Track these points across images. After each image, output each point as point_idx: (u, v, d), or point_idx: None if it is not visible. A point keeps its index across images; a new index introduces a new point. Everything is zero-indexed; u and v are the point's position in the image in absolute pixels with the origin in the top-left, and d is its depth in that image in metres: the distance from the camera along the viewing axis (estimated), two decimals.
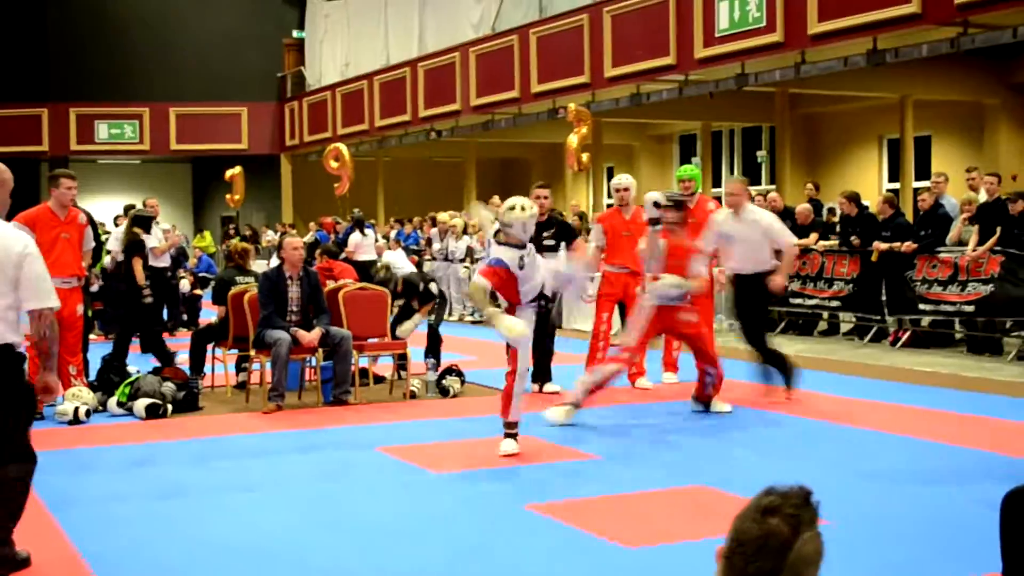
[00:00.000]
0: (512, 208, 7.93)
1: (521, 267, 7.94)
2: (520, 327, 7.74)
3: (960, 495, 6.61)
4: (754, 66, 17.12)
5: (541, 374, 10.94)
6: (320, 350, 10.27)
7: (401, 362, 11.29)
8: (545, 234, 10.50)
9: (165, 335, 14.77)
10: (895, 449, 8.07)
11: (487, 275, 7.91)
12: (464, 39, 23.56)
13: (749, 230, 10.11)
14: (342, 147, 24.39)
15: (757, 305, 10.31)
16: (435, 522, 6.28)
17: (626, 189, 11.13)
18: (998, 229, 12.11)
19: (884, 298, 13.37)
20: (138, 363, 11.70)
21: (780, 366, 10.07)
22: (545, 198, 10.80)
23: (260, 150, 31.52)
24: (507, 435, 8.06)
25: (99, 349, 11.96)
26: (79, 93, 30.99)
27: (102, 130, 31.20)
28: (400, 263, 18.59)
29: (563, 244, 10.57)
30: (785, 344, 13.44)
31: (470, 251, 19.04)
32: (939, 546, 5.57)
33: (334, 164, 24.07)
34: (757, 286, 10.10)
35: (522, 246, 7.96)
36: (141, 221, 12.82)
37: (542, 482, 7.16)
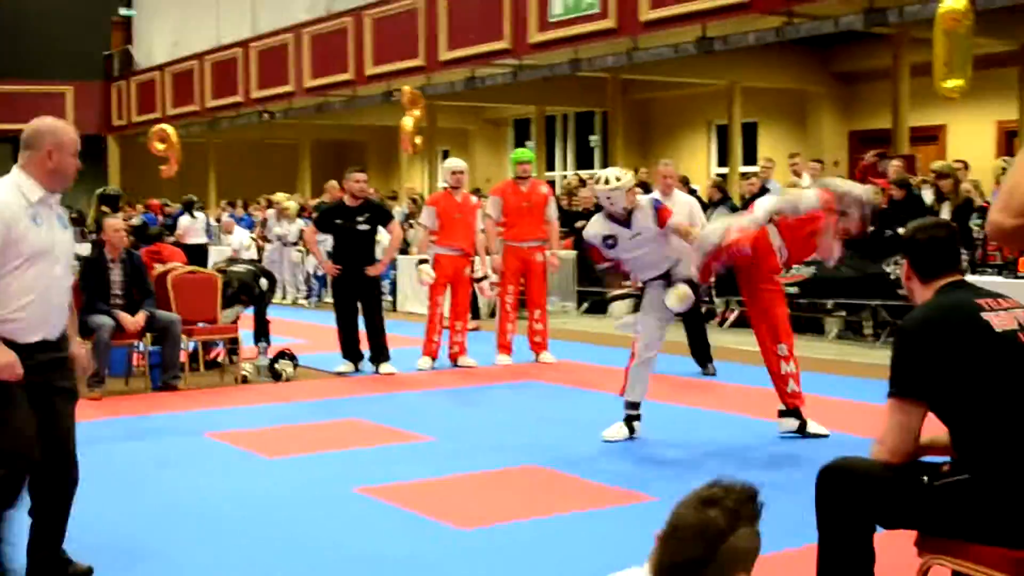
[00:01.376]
0: (597, 181, 7.75)
1: (609, 245, 7.64)
2: (671, 299, 7.54)
3: (769, 469, 6.80)
4: (587, 52, 17.31)
5: (377, 354, 10.90)
6: (148, 335, 10.03)
7: (232, 346, 11.10)
8: (359, 218, 10.73)
9: None
10: (719, 425, 8.27)
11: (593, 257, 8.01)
12: (298, 20, 23.25)
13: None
14: (168, 128, 23.84)
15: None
16: (264, 507, 6.20)
17: (462, 172, 11.22)
18: None
19: (712, 280, 13.65)
20: None
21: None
22: (357, 182, 10.83)
23: (86, 131, 30.48)
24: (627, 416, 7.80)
25: None
26: None
27: None
28: (244, 243, 18.30)
29: (379, 227, 11.05)
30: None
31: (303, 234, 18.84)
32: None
33: (160, 146, 23.54)
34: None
35: (624, 223, 7.59)
36: (108, 200, 12.88)
37: (375, 465, 7.11)
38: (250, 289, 11.29)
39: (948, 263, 3.67)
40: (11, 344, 4.50)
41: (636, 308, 7.77)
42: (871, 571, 3.59)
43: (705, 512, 2.37)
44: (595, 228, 7.66)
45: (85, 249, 11.65)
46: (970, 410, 3.44)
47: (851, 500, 3.56)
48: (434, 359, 11.09)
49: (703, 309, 11.33)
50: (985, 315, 3.46)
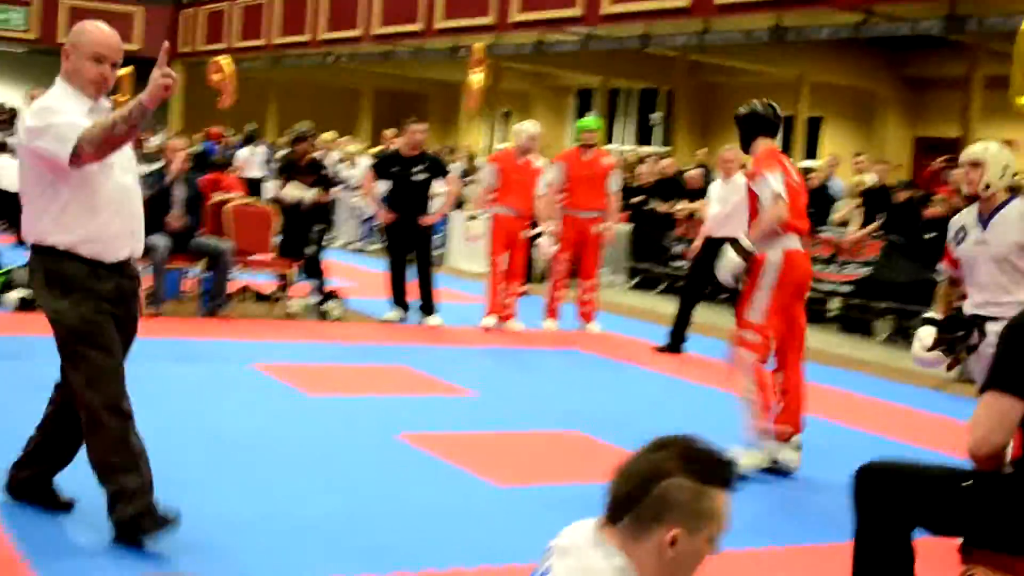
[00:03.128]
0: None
1: (958, 240, 5.73)
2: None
3: (816, 466, 6.80)
4: (658, 28, 17.24)
5: (425, 305, 10.94)
6: (200, 261, 10.13)
7: (283, 282, 11.14)
8: (416, 169, 10.82)
9: None
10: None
11: None
12: None
13: (734, 196, 9.93)
14: (223, 60, 23.80)
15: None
16: (305, 444, 6.26)
17: (532, 139, 11.16)
18: (880, 215, 12.43)
19: None
20: (12, 257, 11.37)
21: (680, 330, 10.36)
22: (414, 133, 10.89)
23: (152, 53, 30.51)
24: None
25: None
26: None
27: None
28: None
29: (436, 180, 11.06)
30: (663, 306, 13.64)
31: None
32: (794, 513, 5.74)
33: (215, 77, 23.52)
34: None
35: (983, 219, 5.63)
36: None
37: (416, 413, 7.16)
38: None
39: None
40: (98, 264, 4.33)
41: (949, 347, 5.67)
42: (911, 572, 3.58)
43: (652, 454, 2.31)
44: (960, 217, 5.84)
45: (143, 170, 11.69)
46: None
47: (889, 499, 3.52)
48: (499, 316, 11.01)
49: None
50: None
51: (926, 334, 5.65)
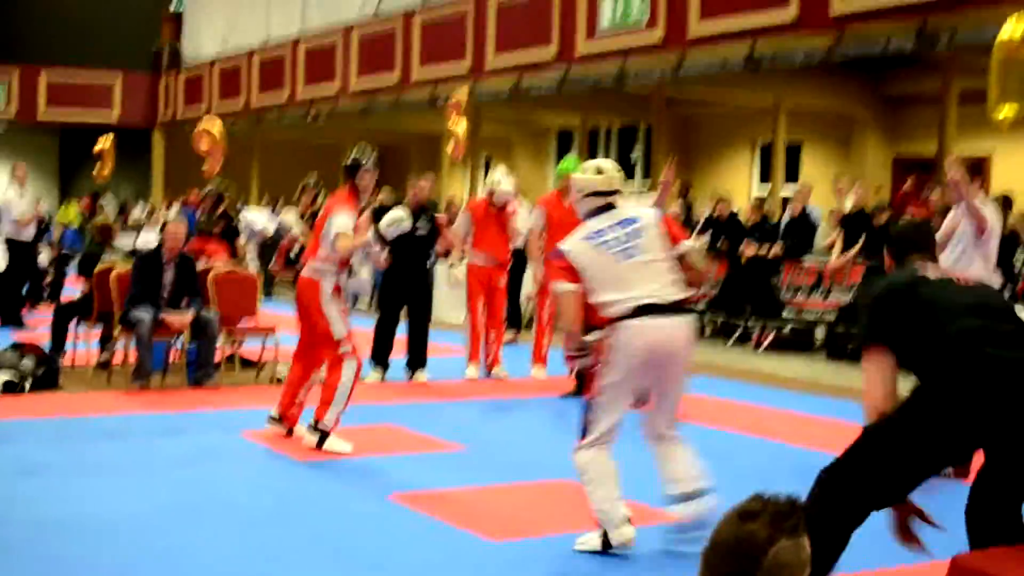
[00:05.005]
0: None
1: None
2: None
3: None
4: (634, 65, 17.30)
5: (415, 361, 10.93)
6: (187, 331, 10.10)
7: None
8: (419, 223, 10.84)
9: (25, 310, 14.45)
10: (750, 450, 8.23)
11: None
12: (348, 19, 23.38)
13: None
14: (213, 128, 23.88)
15: None
16: (296, 509, 6.24)
17: (508, 195, 11.24)
18: (861, 238, 12.44)
19: (749, 302, 13.64)
20: None
21: None
22: (426, 188, 10.97)
23: (132, 123, 30.83)
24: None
25: None
26: None
27: None
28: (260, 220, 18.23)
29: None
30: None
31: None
32: None
33: (204, 144, 23.58)
34: None
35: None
36: None
37: (405, 472, 7.14)
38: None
39: (914, 248, 4.59)
40: None
41: None
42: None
43: (743, 527, 2.34)
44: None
45: (129, 241, 11.71)
46: (919, 341, 4.14)
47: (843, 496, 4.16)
48: (478, 366, 11.09)
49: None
50: (921, 272, 4.34)
51: None
